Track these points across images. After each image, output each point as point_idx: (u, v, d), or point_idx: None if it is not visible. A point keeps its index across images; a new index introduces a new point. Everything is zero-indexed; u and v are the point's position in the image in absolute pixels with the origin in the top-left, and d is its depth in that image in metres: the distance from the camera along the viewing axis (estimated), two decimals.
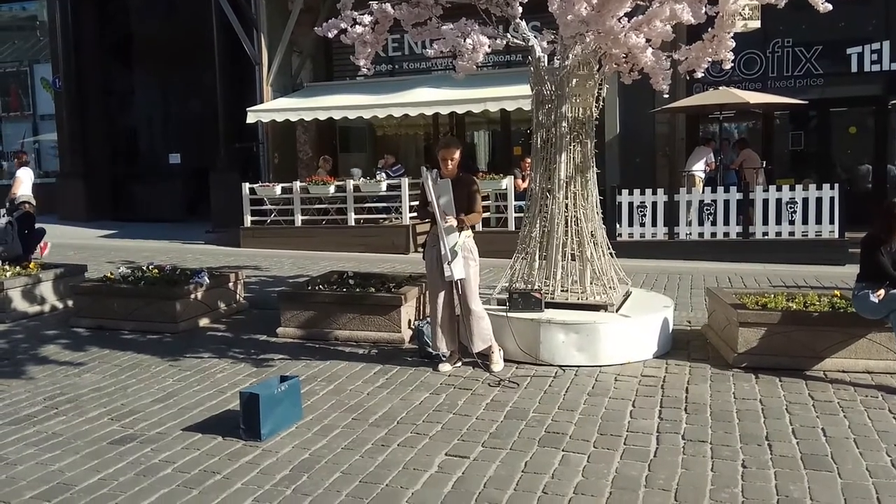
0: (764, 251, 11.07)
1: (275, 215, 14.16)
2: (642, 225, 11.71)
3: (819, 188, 11.18)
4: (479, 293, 5.87)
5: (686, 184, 12.60)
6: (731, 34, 5.74)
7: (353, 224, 13.58)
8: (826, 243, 10.97)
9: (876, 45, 13.54)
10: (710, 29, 5.80)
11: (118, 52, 19.40)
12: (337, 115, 14.38)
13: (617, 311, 6.13)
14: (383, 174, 14.11)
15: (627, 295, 6.65)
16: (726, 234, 11.48)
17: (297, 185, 13.86)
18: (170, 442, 4.47)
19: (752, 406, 4.86)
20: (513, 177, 12.74)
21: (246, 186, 14.08)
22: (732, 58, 5.89)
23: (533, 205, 6.41)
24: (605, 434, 4.44)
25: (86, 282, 8.28)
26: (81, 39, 18.87)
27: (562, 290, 6.26)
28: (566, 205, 6.24)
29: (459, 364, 5.86)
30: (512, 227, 12.09)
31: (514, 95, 12.36)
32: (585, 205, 6.31)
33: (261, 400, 4.43)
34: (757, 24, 10.80)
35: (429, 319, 6.25)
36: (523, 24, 6.32)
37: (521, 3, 6.22)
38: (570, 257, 6.29)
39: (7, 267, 8.55)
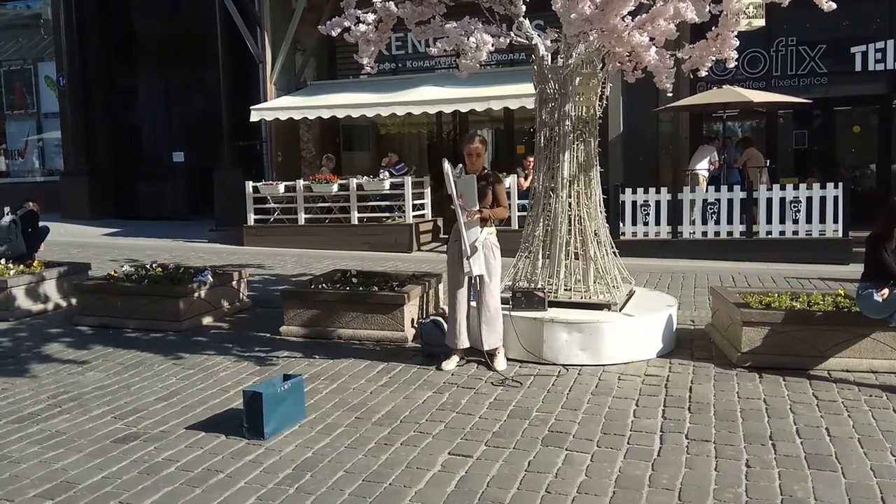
0: (768, 250, 11.04)
1: (278, 214, 14.17)
2: (646, 224, 11.69)
3: (823, 187, 11.15)
4: None
5: (690, 183, 12.56)
6: (735, 33, 5.72)
7: (356, 223, 13.57)
8: (830, 242, 10.94)
9: (880, 44, 13.50)
10: (713, 27, 5.78)
11: (122, 51, 19.44)
12: (340, 114, 14.38)
13: (620, 310, 6.12)
14: (386, 173, 14.11)
15: (631, 294, 6.64)
16: (730, 233, 11.45)
17: (301, 183, 13.87)
18: (173, 440, 4.48)
19: (756, 405, 4.85)
20: (516, 175, 12.73)
21: (249, 185, 14.09)
22: (736, 56, 5.87)
23: (536, 203, 6.41)
24: (608, 433, 4.44)
25: (89, 280, 8.29)
26: (85, 37, 18.92)
27: (565, 289, 6.25)
28: (569, 203, 6.24)
29: (464, 363, 5.86)
30: (515, 225, 12.07)
31: (517, 94, 12.34)
32: (589, 203, 6.31)
33: (264, 398, 4.43)
34: (761, 22, 10.77)
35: (433, 318, 6.26)
36: (527, 22, 6.31)
37: (524, 2, 6.21)
38: (573, 256, 6.28)
39: (11, 265, 8.57)
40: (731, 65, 5.95)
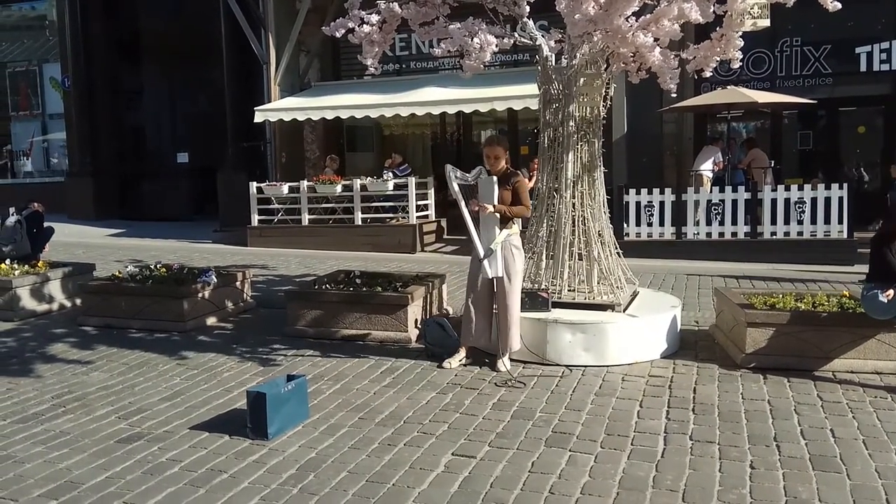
0: (772, 251, 11.02)
1: (282, 214, 14.18)
2: (650, 224, 11.68)
3: (827, 188, 11.13)
4: None
5: (694, 183, 12.56)
6: (740, 33, 5.71)
7: (359, 223, 13.59)
8: (834, 243, 10.92)
9: (885, 45, 13.49)
10: (718, 28, 5.77)
11: (127, 52, 19.50)
12: (344, 115, 14.40)
13: (624, 310, 6.11)
14: (390, 174, 14.12)
15: (635, 295, 6.63)
16: (734, 234, 11.45)
17: (305, 184, 13.89)
18: (177, 441, 4.48)
19: (761, 407, 4.84)
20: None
21: (253, 186, 14.12)
22: (741, 57, 5.86)
23: (540, 204, 6.40)
24: (612, 434, 4.43)
25: (94, 280, 8.30)
26: (90, 39, 18.96)
27: (569, 290, 6.24)
28: (573, 204, 6.23)
29: (468, 361, 5.85)
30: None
31: (521, 95, 12.34)
32: (593, 204, 6.30)
33: (267, 399, 4.43)
34: (766, 22, 10.75)
35: (436, 318, 6.26)
36: (531, 23, 6.31)
37: (528, 2, 6.21)
38: (577, 257, 6.27)
39: (16, 265, 8.58)
40: (736, 65, 5.94)
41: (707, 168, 12.86)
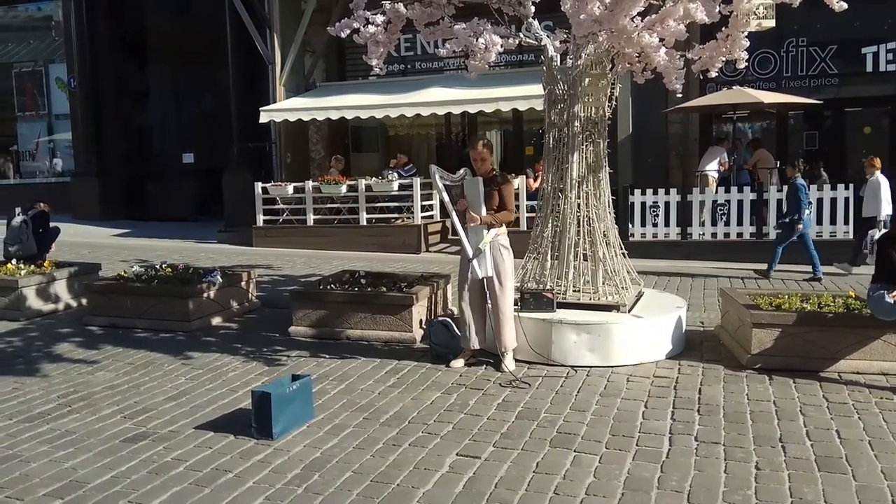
0: None
1: (287, 215, 14.20)
2: (655, 225, 11.67)
3: (833, 188, 11.10)
4: None
5: (699, 184, 12.53)
6: (746, 33, 5.70)
7: (364, 224, 13.60)
8: (840, 244, 10.88)
9: (891, 45, 13.43)
10: (723, 28, 5.77)
11: (132, 52, 19.55)
12: (349, 115, 14.40)
13: (629, 311, 6.10)
14: (395, 174, 14.12)
15: (640, 295, 6.62)
16: (740, 235, 11.43)
17: (310, 184, 13.90)
18: (182, 440, 4.49)
19: (766, 407, 4.83)
20: (525, 176, 12.71)
21: (258, 186, 14.14)
22: (746, 57, 5.85)
23: (545, 204, 6.40)
24: (617, 435, 4.43)
25: (100, 280, 8.33)
26: (96, 39, 19.01)
27: (574, 291, 6.24)
28: (578, 205, 6.23)
29: (473, 361, 5.85)
30: (524, 227, 12.07)
31: (526, 95, 12.34)
32: (598, 204, 6.29)
33: (272, 399, 4.44)
34: (771, 23, 10.73)
35: (441, 319, 6.26)
36: (536, 23, 6.30)
37: (533, 3, 6.20)
38: (582, 257, 6.27)
39: (22, 265, 8.61)
40: (742, 65, 5.93)
41: (712, 168, 12.83)
